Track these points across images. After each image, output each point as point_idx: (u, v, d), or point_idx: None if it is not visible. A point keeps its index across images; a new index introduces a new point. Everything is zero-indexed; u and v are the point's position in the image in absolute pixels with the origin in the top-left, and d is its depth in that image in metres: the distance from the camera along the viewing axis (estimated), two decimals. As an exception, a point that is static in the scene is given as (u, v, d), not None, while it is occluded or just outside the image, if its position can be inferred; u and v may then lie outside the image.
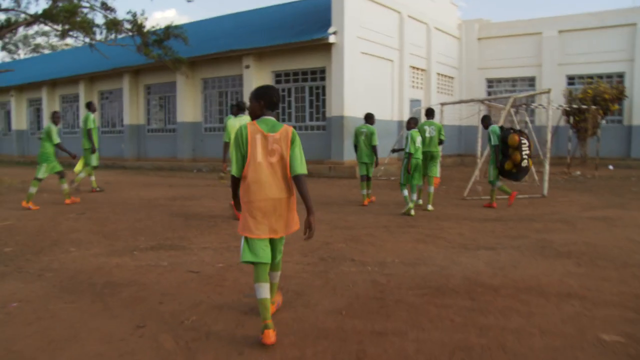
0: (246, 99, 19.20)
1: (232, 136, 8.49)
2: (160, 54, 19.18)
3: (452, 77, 25.04)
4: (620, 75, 22.14)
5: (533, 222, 8.45)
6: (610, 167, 19.74)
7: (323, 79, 18.09)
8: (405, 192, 9.29)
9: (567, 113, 19.89)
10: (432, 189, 9.95)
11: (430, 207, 9.73)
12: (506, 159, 9.83)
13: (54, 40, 48.22)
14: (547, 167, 11.97)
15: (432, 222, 8.50)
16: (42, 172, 10.20)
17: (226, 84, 20.90)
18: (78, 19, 17.23)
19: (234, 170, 3.73)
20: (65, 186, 10.71)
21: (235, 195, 3.84)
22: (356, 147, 10.74)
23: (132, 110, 24.07)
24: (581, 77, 22.70)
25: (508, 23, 25.20)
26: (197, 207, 10.24)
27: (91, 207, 10.14)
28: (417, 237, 7.19)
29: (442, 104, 16.87)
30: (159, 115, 23.50)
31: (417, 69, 22.04)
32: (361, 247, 6.57)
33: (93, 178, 12.94)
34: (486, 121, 10.44)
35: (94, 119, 12.59)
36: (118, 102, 25.23)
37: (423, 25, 22.15)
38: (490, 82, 25.47)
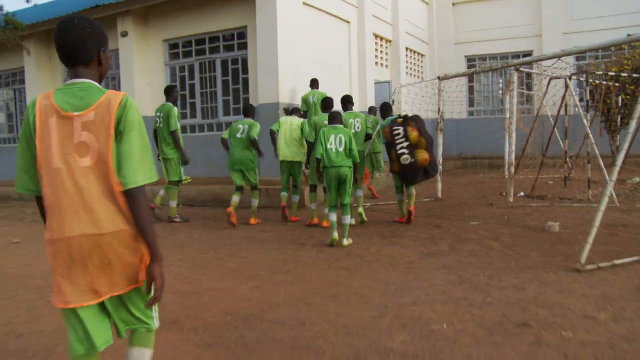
0: (125, 83, 12.16)
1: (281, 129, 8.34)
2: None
3: (422, 54, 18.74)
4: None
5: None
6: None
7: (244, 46, 11.25)
8: (333, 217, 6.65)
9: (590, 95, 13.89)
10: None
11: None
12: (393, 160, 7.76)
13: None
14: None
15: None
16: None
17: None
18: None
19: (17, 184, 2.14)
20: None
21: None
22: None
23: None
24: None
25: (493, -20, 19.11)
26: None
27: None
28: None
29: (441, 78, 10.42)
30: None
31: (382, 38, 15.57)
32: None
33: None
34: (385, 112, 8.42)
35: (178, 114, 8.62)
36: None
37: (387, -23, 15.76)
38: (471, 61, 19.28)
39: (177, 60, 12.17)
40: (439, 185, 10.51)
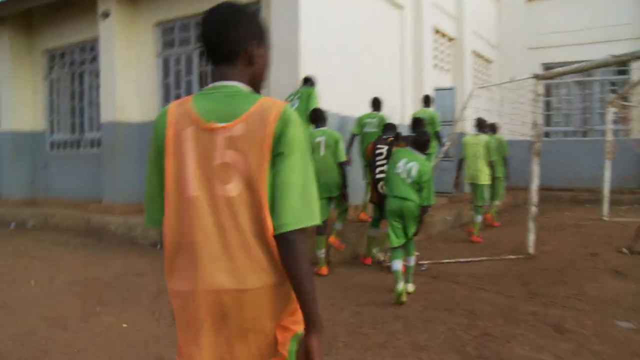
0: (104, 80, 9.32)
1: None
2: None
3: (489, 61, 15.34)
4: None
5: None
6: None
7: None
8: (396, 265, 4.94)
9: None
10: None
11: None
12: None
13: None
14: None
15: None
16: None
17: (82, 57, 10.90)
18: None
19: (147, 217, 1.65)
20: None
21: None
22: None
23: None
24: None
25: (579, -28, 15.54)
26: None
27: None
28: None
29: (540, 77, 7.12)
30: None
31: (444, 35, 12.29)
32: None
33: None
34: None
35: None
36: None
37: (451, -42, 12.51)
38: (550, 70, 15.75)
39: (172, 49, 9.18)
40: (531, 236, 7.09)
